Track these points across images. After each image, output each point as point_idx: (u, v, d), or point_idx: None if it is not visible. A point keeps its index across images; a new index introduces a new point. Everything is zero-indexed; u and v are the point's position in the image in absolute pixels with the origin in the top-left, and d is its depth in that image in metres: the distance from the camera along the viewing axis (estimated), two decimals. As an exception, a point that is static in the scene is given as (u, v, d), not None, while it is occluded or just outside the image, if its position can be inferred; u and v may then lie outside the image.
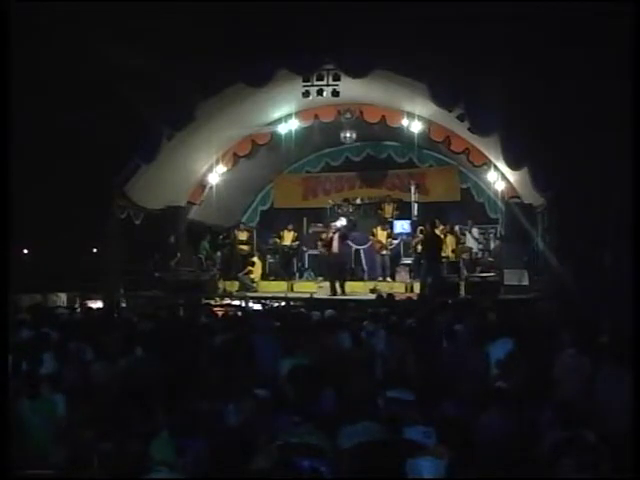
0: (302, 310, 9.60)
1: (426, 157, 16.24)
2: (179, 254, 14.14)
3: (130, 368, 5.58)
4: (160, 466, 3.44)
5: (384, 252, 14.41)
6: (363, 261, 15.05)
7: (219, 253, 15.10)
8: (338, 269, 13.02)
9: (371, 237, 14.65)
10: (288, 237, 15.34)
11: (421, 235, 13.40)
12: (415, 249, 14.06)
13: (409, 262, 14.53)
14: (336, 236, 12.97)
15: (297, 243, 15.35)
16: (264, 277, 15.38)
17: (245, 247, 15.30)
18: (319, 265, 14.79)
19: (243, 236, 15.38)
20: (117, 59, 10.30)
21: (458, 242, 14.22)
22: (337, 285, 12.76)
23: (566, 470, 3.24)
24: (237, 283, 14.48)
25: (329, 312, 8.27)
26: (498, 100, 10.13)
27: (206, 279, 13.82)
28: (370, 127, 14.41)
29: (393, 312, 8.01)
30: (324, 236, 13.78)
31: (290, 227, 15.39)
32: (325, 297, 12.24)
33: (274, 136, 14.44)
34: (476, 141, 12.84)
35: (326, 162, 17.09)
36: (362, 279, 14.66)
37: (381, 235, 14.45)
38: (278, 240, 15.41)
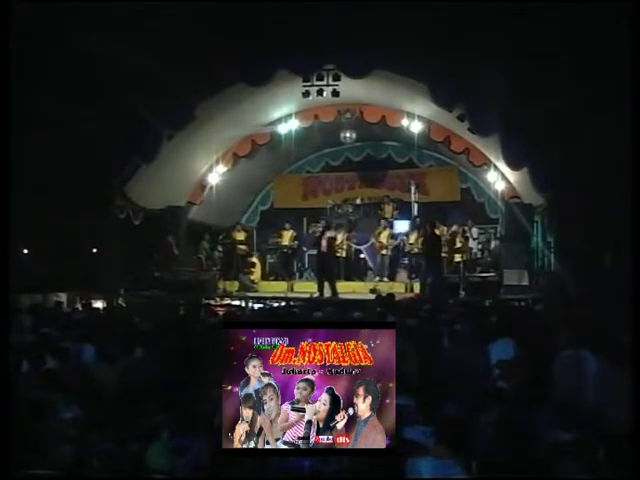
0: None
1: (426, 157, 16.23)
2: (179, 254, 14.15)
3: (130, 368, 5.58)
4: (156, 474, 3.46)
5: (384, 252, 14.42)
6: (368, 261, 15.05)
7: (219, 253, 15.12)
8: (324, 268, 12.93)
9: (373, 237, 14.66)
10: (287, 236, 15.36)
11: (420, 236, 13.42)
12: (411, 249, 14.10)
13: (409, 262, 14.55)
14: (324, 235, 12.91)
15: (296, 242, 15.36)
16: (264, 277, 15.40)
17: (243, 247, 15.31)
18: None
19: (241, 236, 15.38)
20: (117, 59, 10.29)
21: (456, 242, 14.21)
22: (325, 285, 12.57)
23: (566, 470, 3.24)
24: (237, 283, 14.49)
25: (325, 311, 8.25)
26: (498, 100, 10.13)
27: (206, 279, 13.83)
28: (370, 127, 14.42)
29: (393, 312, 8.00)
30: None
31: (287, 226, 15.40)
32: (326, 297, 12.22)
33: (274, 136, 14.46)
34: (476, 141, 12.84)
35: (326, 162, 17.10)
36: (362, 279, 14.68)
37: (383, 236, 14.46)
38: (279, 239, 15.44)
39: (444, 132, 13.57)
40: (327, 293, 12.41)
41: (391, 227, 14.78)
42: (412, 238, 14.31)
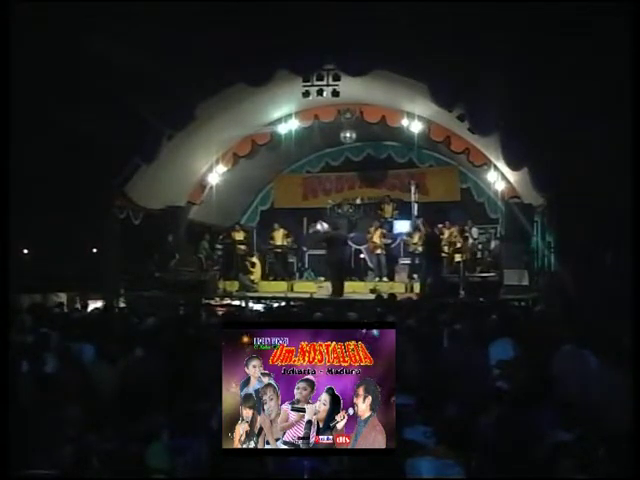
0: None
1: (426, 157, 16.25)
2: (179, 254, 14.15)
3: (130, 368, 5.58)
4: (156, 474, 3.46)
5: (378, 252, 14.43)
6: (368, 261, 15.04)
7: (219, 253, 15.12)
8: (336, 268, 12.99)
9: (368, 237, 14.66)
10: (278, 236, 15.36)
11: (420, 236, 13.40)
12: (412, 249, 14.10)
13: (408, 262, 14.55)
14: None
15: (290, 240, 15.35)
16: (264, 277, 15.39)
17: (243, 247, 15.31)
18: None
19: (240, 236, 15.38)
20: (117, 59, 10.29)
21: (456, 242, 14.21)
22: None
23: (566, 470, 3.24)
24: (237, 283, 14.49)
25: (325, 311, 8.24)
26: (498, 100, 10.13)
27: (206, 279, 13.83)
28: (370, 127, 14.42)
29: (393, 312, 8.00)
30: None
31: (276, 226, 15.39)
32: (325, 297, 12.23)
33: (274, 136, 14.46)
34: (476, 141, 12.84)
35: (326, 162, 17.11)
36: (362, 279, 14.68)
37: (376, 236, 14.45)
38: (272, 241, 15.44)
39: (444, 132, 13.56)
40: (327, 292, 12.44)
41: (383, 227, 14.72)
42: (412, 238, 14.30)
